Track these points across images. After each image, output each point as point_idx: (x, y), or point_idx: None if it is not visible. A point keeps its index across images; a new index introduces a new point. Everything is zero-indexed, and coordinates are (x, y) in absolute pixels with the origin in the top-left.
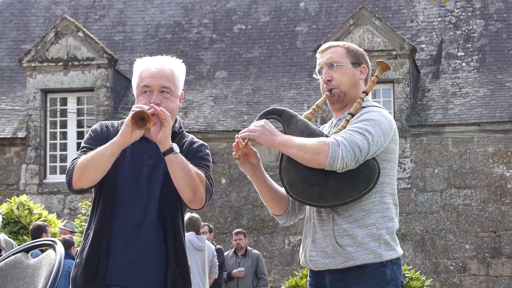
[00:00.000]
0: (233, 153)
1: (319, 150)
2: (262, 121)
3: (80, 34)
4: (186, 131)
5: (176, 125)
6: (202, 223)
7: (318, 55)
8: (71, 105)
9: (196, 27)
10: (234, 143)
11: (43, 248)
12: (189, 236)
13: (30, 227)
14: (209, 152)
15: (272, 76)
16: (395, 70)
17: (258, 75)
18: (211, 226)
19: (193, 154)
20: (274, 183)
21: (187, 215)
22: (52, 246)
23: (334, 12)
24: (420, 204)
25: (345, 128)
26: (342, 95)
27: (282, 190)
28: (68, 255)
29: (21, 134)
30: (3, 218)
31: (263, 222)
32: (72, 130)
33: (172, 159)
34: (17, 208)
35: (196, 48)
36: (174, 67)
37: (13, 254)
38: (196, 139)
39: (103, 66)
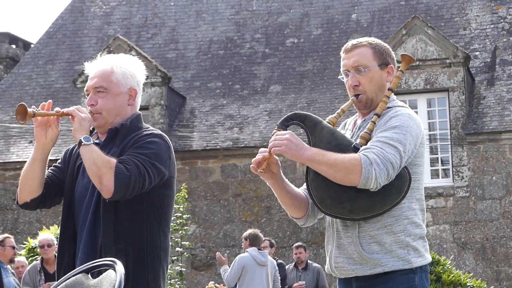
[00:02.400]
0: (254, 167)
1: (351, 169)
2: (288, 133)
3: (133, 53)
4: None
5: (123, 121)
6: (263, 238)
7: (343, 54)
8: None
9: (248, 42)
10: (255, 159)
11: (103, 268)
12: (251, 251)
13: None
14: (156, 140)
15: (326, 89)
16: (449, 78)
17: (312, 88)
18: (272, 241)
19: (130, 146)
20: (293, 187)
21: (248, 231)
22: (112, 266)
23: (386, 22)
24: (479, 212)
25: (371, 130)
26: (369, 101)
27: (301, 194)
28: None
29: None
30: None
31: (323, 235)
32: None
33: (81, 151)
34: None
35: (249, 63)
36: (116, 64)
37: (74, 275)
38: (148, 132)
39: (157, 84)
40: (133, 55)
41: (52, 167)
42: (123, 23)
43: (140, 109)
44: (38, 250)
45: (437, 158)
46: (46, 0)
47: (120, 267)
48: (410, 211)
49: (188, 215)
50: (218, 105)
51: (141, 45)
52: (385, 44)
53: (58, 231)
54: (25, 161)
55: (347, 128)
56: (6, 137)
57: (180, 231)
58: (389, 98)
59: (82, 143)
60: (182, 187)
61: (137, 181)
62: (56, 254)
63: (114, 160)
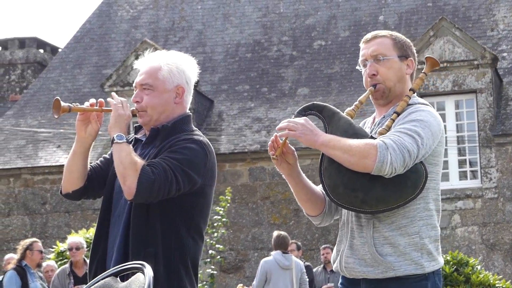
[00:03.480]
0: (270, 153)
1: (366, 153)
2: (303, 119)
3: None
4: (196, 134)
5: (168, 120)
6: (290, 241)
7: (362, 45)
8: None
9: (276, 45)
10: (269, 142)
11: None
12: (275, 255)
13: None
14: (192, 146)
15: (354, 91)
16: (477, 80)
17: (339, 91)
18: (299, 243)
19: (166, 149)
20: (310, 183)
21: (275, 233)
22: (140, 269)
23: (414, 24)
24: (508, 213)
25: (390, 127)
26: (387, 91)
27: (318, 190)
28: None
29: None
30: (91, 243)
31: None
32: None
33: (113, 149)
34: None
35: (276, 66)
36: (163, 61)
37: (102, 279)
38: (187, 137)
39: None
40: None
41: (101, 158)
42: (151, 27)
43: None
44: (67, 253)
45: (465, 159)
46: (74, 4)
47: (149, 270)
48: (426, 212)
49: (226, 219)
50: (246, 108)
51: (168, 48)
52: (407, 40)
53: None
54: (53, 166)
55: (366, 126)
56: (34, 142)
57: (216, 234)
58: (409, 98)
59: (114, 141)
60: (226, 190)
61: (162, 186)
62: (91, 248)
63: (141, 162)
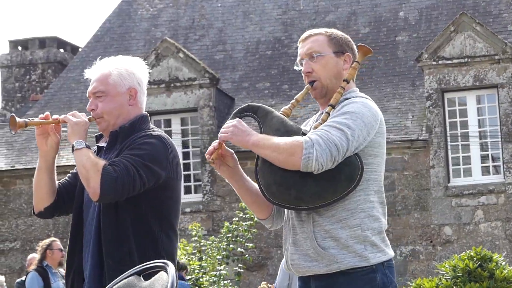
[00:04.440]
0: (206, 156)
1: (292, 150)
2: (235, 120)
3: (181, 55)
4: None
5: (125, 122)
6: None
7: (299, 44)
8: (175, 126)
9: (296, 42)
10: (208, 150)
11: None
12: None
13: None
14: (151, 141)
15: (374, 87)
16: (498, 74)
17: (360, 87)
18: None
19: (126, 148)
20: (256, 185)
21: None
22: (164, 268)
23: (434, 19)
24: None
25: (325, 121)
26: (324, 88)
27: None
28: (180, 277)
29: None
30: None
31: None
32: (177, 151)
33: (74, 156)
34: None
35: None
36: (110, 66)
37: (125, 277)
38: (145, 134)
39: (205, 85)
40: (181, 57)
41: (69, 174)
42: (171, 25)
43: (188, 111)
44: None
45: (488, 155)
46: (93, 4)
47: (171, 269)
48: (367, 204)
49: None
50: (267, 105)
51: (188, 47)
52: (344, 35)
53: None
54: (74, 165)
55: (308, 124)
56: None
57: (247, 233)
58: (344, 89)
59: (74, 148)
60: None
61: (126, 183)
62: (66, 260)
63: (102, 163)
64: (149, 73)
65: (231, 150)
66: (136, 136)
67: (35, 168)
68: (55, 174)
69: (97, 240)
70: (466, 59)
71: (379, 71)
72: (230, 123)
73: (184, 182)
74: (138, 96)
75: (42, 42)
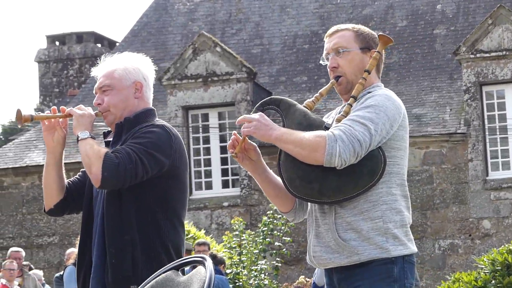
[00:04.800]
0: (230, 150)
1: (316, 146)
2: (258, 114)
3: (218, 49)
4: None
5: (129, 115)
6: None
7: (326, 39)
8: (213, 121)
9: None
10: (229, 141)
11: (193, 265)
12: None
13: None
14: (154, 130)
15: (412, 81)
16: None
17: (398, 80)
18: None
19: (130, 138)
20: (278, 179)
21: None
22: (202, 262)
23: (472, 12)
24: None
25: (347, 113)
26: (349, 84)
27: None
28: (218, 272)
29: None
30: None
31: (412, 228)
32: (215, 145)
33: (79, 146)
34: None
35: None
36: (116, 61)
37: (164, 272)
38: (149, 124)
39: (242, 80)
40: (218, 51)
41: (79, 173)
42: (208, 20)
43: (226, 105)
44: None
45: None
46: None
47: (209, 263)
48: (389, 196)
49: None
50: (304, 99)
51: (225, 41)
52: (371, 32)
53: None
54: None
55: (331, 116)
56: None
57: (284, 227)
58: (365, 79)
59: (79, 138)
60: None
61: (128, 169)
62: (77, 255)
63: (104, 150)
64: (186, 67)
65: (254, 144)
66: (140, 126)
67: (72, 162)
68: (63, 171)
69: (102, 230)
70: (504, 52)
71: (416, 64)
72: (253, 117)
73: (222, 176)
74: (144, 91)
75: (80, 37)
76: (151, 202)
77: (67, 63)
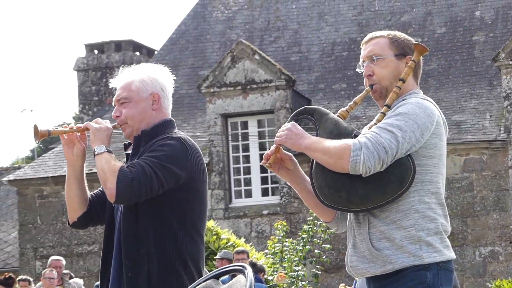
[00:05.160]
0: (262, 162)
1: (341, 154)
2: (290, 124)
3: (257, 57)
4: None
5: (147, 127)
6: None
7: (362, 47)
8: (252, 128)
9: None
10: (265, 154)
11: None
12: None
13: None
14: (170, 143)
15: (452, 87)
16: None
17: (437, 87)
18: None
19: (146, 151)
20: None
21: None
22: (242, 271)
23: (511, 19)
24: None
25: (380, 121)
26: (384, 91)
27: None
28: (257, 280)
29: (204, 160)
30: None
31: (452, 235)
32: (254, 153)
33: (95, 161)
34: (205, 234)
35: None
36: (133, 73)
37: (204, 281)
38: (165, 136)
39: (281, 87)
40: (256, 59)
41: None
42: (246, 27)
43: (265, 113)
44: None
45: None
46: (169, 7)
47: (249, 272)
48: (422, 205)
49: None
50: (343, 106)
51: (264, 48)
52: (407, 37)
53: None
54: None
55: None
56: None
57: (324, 234)
58: (400, 88)
59: (95, 153)
60: None
61: (143, 184)
62: (100, 267)
63: (119, 165)
64: (225, 75)
65: (290, 153)
66: (157, 139)
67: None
68: (85, 183)
69: (119, 243)
70: None
71: (455, 71)
72: (285, 127)
73: (261, 185)
74: (162, 101)
75: (118, 46)
76: (169, 215)
77: (105, 72)
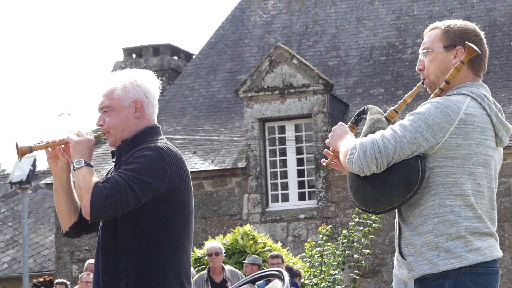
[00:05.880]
0: (322, 161)
1: (345, 153)
2: (338, 124)
3: (295, 61)
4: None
5: (129, 136)
6: None
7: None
8: (289, 133)
9: (410, 47)
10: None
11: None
12: None
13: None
14: (147, 154)
15: (490, 92)
16: None
17: None
18: None
19: (124, 162)
20: None
21: None
22: (278, 276)
23: None
24: None
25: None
26: (433, 85)
27: None
28: (293, 284)
29: (241, 164)
30: (228, 249)
31: None
32: (291, 157)
33: (74, 175)
34: (242, 238)
35: (411, 69)
36: (116, 80)
37: (240, 286)
38: (144, 146)
39: (319, 92)
40: (294, 63)
41: None
42: (284, 32)
43: (302, 117)
44: (206, 258)
45: None
46: (207, 11)
47: (286, 277)
48: (442, 208)
49: (379, 224)
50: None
51: (302, 53)
52: (464, 26)
53: (224, 241)
54: (191, 172)
55: None
56: None
57: (364, 239)
58: (442, 90)
59: (74, 168)
60: None
61: (118, 199)
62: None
63: (95, 181)
64: (263, 79)
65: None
66: (137, 149)
67: None
68: (74, 193)
69: (98, 257)
70: None
71: (494, 76)
72: (334, 127)
73: (298, 189)
74: (145, 108)
75: (156, 50)
76: (148, 227)
77: None
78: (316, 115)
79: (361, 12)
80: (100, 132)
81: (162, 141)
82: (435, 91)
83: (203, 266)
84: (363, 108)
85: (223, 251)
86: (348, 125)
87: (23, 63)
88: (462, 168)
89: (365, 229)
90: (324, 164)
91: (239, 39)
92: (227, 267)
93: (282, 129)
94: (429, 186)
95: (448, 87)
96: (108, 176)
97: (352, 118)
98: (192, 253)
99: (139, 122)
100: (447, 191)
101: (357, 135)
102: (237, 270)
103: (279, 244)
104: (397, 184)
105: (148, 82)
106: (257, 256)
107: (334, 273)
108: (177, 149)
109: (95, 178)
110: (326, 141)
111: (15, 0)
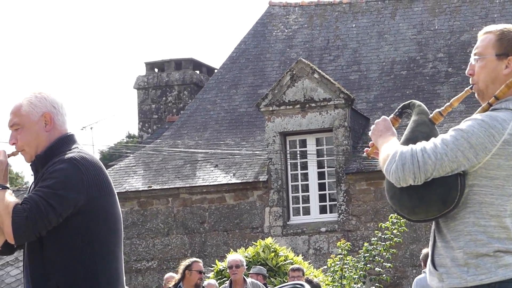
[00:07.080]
0: (365, 149)
1: (384, 161)
2: (382, 118)
3: (316, 75)
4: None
5: (42, 150)
6: None
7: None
8: (311, 147)
9: (431, 61)
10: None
11: None
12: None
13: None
14: (61, 167)
15: None
16: None
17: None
18: None
19: (41, 179)
20: None
21: (424, 250)
22: None
23: None
24: None
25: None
26: (480, 93)
27: None
28: None
29: (262, 178)
30: (250, 262)
31: None
32: (312, 171)
33: None
34: (263, 251)
35: (432, 83)
36: (23, 96)
37: None
38: (56, 160)
39: (340, 106)
40: (316, 78)
41: None
42: (305, 46)
43: (323, 131)
44: (227, 271)
45: None
46: (229, 25)
47: None
48: (475, 227)
49: (400, 239)
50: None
51: (323, 67)
52: None
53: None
54: (211, 185)
55: None
56: (192, 162)
57: (386, 253)
58: (490, 105)
59: None
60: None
61: (38, 220)
62: None
63: (13, 204)
64: (284, 93)
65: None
66: (52, 162)
67: (172, 188)
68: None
69: (27, 277)
70: None
71: None
72: (377, 121)
73: (319, 202)
74: (56, 119)
75: (178, 64)
76: (73, 241)
77: (165, 90)
78: (337, 129)
79: (382, 27)
80: (15, 151)
81: (76, 150)
82: (483, 105)
83: (225, 279)
84: (409, 102)
85: (244, 263)
86: (391, 117)
87: (46, 77)
88: (501, 189)
89: (386, 243)
90: (365, 154)
91: (260, 53)
92: (249, 280)
93: (303, 143)
94: (466, 203)
95: (504, 92)
96: (26, 196)
97: (396, 110)
98: (214, 265)
99: (51, 135)
100: (483, 211)
101: (399, 130)
102: (258, 282)
103: (301, 257)
104: (434, 201)
105: (53, 93)
106: (261, 267)
107: (355, 287)
108: (93, 156)
109: (12, 200)
110: (369, 133)
111: (40, 14)
